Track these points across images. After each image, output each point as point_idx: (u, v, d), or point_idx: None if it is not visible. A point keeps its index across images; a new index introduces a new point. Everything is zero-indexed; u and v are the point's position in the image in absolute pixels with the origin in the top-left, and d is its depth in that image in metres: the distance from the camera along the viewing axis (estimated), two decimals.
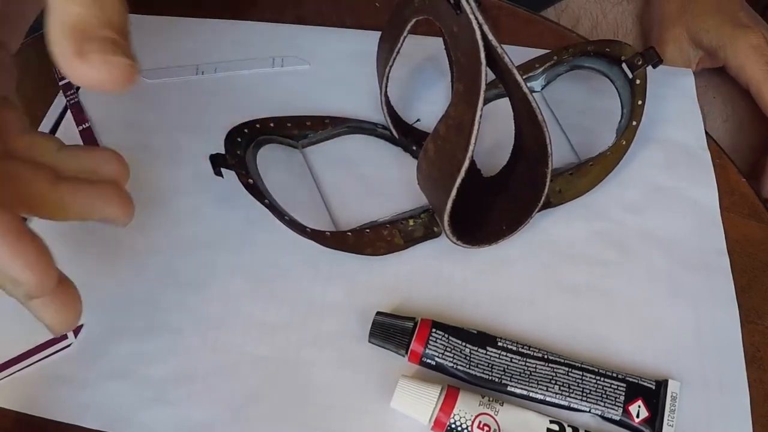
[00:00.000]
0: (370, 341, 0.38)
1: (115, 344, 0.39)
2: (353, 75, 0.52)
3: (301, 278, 0.42)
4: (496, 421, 0.35)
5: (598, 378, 0.37)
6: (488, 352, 0.38)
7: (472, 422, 0.35)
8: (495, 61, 0.36)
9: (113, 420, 0.37)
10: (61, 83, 0.51)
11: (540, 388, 0.37)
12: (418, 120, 0.49)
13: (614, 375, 0.37)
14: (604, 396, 0.37)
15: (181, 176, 0.46)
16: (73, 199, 0.30)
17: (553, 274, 0.42)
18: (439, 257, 0.43)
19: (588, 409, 0.37)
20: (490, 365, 0.37)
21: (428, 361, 0.37)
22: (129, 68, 0.27)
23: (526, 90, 0.37)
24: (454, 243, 0.41)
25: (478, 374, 0.37)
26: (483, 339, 0.38)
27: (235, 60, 0.53)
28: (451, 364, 0.37)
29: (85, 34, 0.27)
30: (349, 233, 0.42)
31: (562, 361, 0.38)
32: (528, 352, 0.38)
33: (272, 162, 0.46)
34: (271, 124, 0.46)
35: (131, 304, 0.41)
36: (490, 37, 0.35)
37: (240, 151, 0.42)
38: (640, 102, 0.45)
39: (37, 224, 0.44)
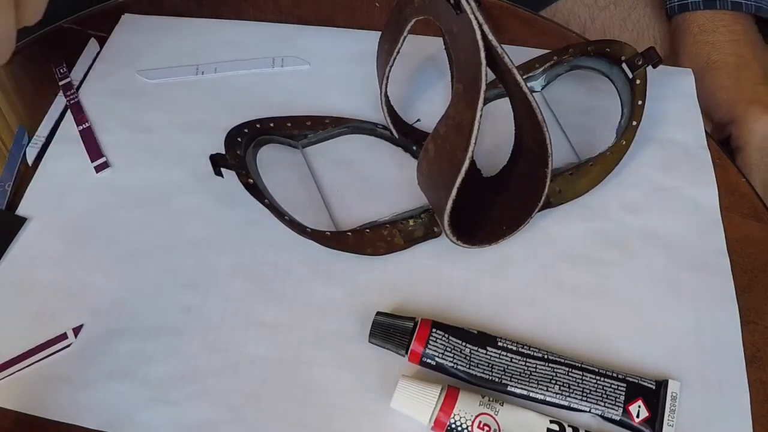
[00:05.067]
0: (370, 341, 0.38)
1: (115, 344, 0.39)
2: (353, 75, 0.52)
3: (301, 278, 0.42)
4: (496, 421, 0.35)
5: (598, 378, 0.37)
6: (488, 352, 0.38)
7: (472, 422, 0.35)
8: (495, 61, 0.36)
9: (113, 420, 0.37)
10: (61, 83, 0.51)
11: (540, 388, 0.37)
12: (418, 120, 0.49)
13: (614, 375, 0.37)
14: (604, 396, 0.37)
15: (181, 176, 0.46)
16: None
17: (553, 274, 0.42)
18: (439, 257, 0.43)
19: (588, 409, 0.37)
20: (490, 365, 0.37)
21: (428, 361, 0.37)
22: None
23: (526, 90, 0.37)
24: (454, 243, 0.41)
25: (478, 374, 0.37)
26: (483, 339, 0.38)
27: (235, 60, 0.53)
28: (451, 364, 0.37)
29: None
30: (349, 233, 0.42)
31: (562, 361, 0.38)
32: (528, 352, 0.38)
33: (272, 162, 0.46)
34: (271, 124, 0.46)
35: (131, 304, 0.41)
36: (490, 37, 0.35)
37: (240, 151, 0.42)
38: (640, 102, 0.45)
39: (37, 223, 0.45)
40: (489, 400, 0.36)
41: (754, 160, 0.54)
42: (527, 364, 0.37)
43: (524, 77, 0.45)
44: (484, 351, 0.38)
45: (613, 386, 0.37)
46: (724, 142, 0.57)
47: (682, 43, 0.60)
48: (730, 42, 0.57)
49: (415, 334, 0.38)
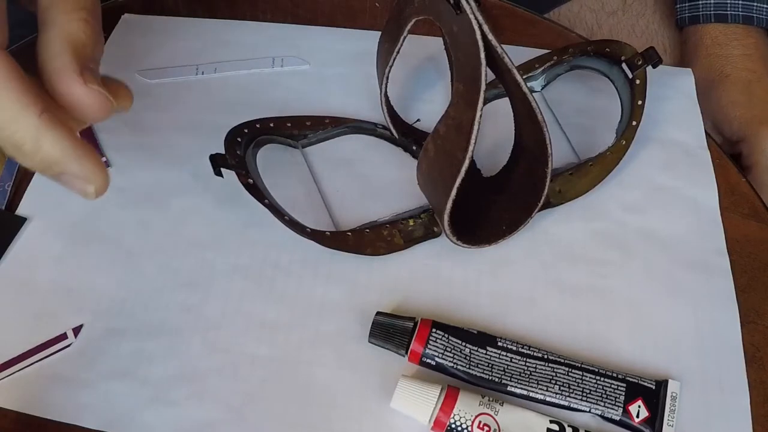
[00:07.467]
0: (370, 341, 0.38)
1: (115, 344, 0.39)
2: (353, 75, 0.52)
3: (301, 278, 0.42)
4: (496, 421, 0.35)
5: (598, 378, 0.37)
6: (488, 352, 0.38)
7: (472, 422, 0.35)
8: (495, 61, 0.36)
9: (113, 420, 0.37)
10: None
11: (540, 388, 0.37)
12: (418, 120, 0.49)
13: (614, 375, 0.37)
14: (604, 396, 0.37)
15: (181, 176, 0.46)
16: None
17: (553, 274, 0.42)
18: (439, 257, 0.43)
19: (588, 409, 0.37)
20: (490, 365, 0.37)
21: (428, 361, 0.37)
22: (109, 102, 0.28)
23: (526, 90, 0.37)
24: (454, 243, 0.41)
25: (478, 374, 0.37)
26: (483, 339, 0.38)
27: (235, 60, 0.53)
28: (451, 364, 0.37)
29: (85, 59, 0.28)
30: (349, 233, 0.42)
31: (562, 361, 0.38)
32: (528, 352, 0.38)
33: (272, 162, 0.46)
34: (271, 124, 0.46)
35: (131, 304, 0.41)
36: (490, 37, 0.35)
37: (240, 151, 0.42)
38: (640, 102, 0.45)
39: (37, 223, 0.45)
40: (489, 400, 0.36)
41: (765, 181, 0.53)
42: (527, 364, 0.37)
43: (524, 77, 0.45)
44: (484, 351, 0.38)
45: (612, 386, 0.37)
46: (734, 158, 0.57)
47: (694, 55, 0.60)
48: (743, 56, 0.57)
49: (415, 334, 0.38)
